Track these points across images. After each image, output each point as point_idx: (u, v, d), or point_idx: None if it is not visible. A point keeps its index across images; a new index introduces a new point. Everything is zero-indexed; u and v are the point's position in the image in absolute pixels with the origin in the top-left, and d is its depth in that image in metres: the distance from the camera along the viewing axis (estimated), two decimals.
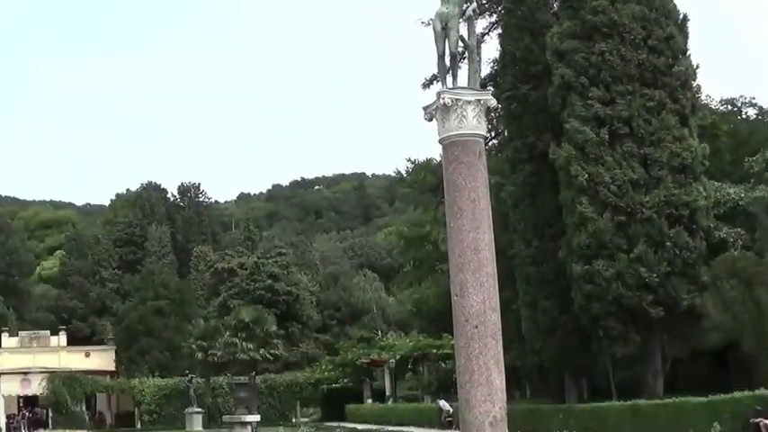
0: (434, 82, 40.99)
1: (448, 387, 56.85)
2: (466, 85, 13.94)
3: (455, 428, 40.91)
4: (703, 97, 49.64)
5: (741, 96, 67.59)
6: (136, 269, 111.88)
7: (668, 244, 39.25)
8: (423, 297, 73.05)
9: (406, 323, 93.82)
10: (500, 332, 13.45)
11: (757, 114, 62.01)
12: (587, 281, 40.03)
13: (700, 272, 39.54)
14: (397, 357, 71.04)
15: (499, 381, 13.21)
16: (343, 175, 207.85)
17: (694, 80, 42.84)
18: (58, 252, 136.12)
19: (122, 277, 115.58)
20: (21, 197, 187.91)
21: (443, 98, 13.64)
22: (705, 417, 25.66)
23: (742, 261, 38.32)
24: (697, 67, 42.79)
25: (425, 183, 67.70)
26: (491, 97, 14.29)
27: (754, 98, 66.79)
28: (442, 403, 53.50)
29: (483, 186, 13.71)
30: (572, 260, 41.08)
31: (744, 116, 61.04)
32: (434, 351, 66.64)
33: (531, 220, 46.25)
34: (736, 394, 31.15)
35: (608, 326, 41.49)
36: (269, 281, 79.88)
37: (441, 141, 13.95)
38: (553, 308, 44.59)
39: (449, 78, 14.03)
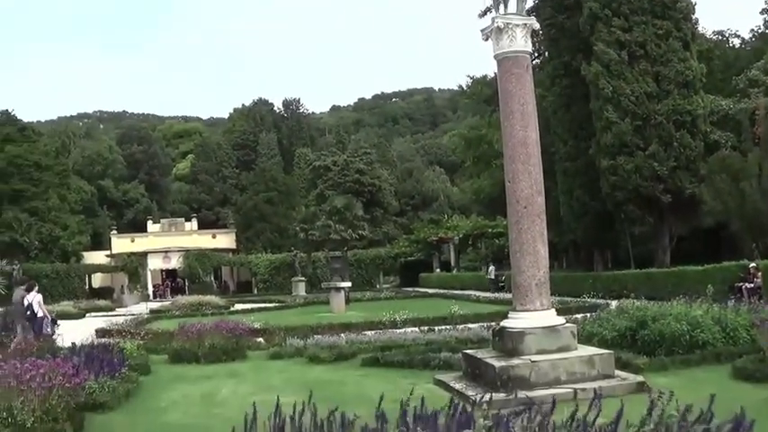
0: (489, 11, 40.65)
1: (500, 259, 57.50)
2: (515, 11, 13.84)
3: (506, 291, 41.43)
4: (700, 29, 49.34)
5: (728, 29, 71.28)
6: (250, 168, 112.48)
7: (675, 144, 39.95)
8: (480, 187, 72.87)
9: (466, 208, 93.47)
10: (544, 212, 13.54)
11: (741, 43, 61.83)
12: (612, 173, 40.55)
13: (699, 167, 40.21)
14: (460, 235, 71.43)
15: (543, 251, 13.31)
16: (416, 89, 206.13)
17: (693, 14, 42.75)
18: (189, 156, 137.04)
19: (240, 175, 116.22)
20: (159, 114, 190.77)
21: (497, 22, 13.62)
22: (701, 281, 25.77)
23: (730, 159, 38.88)
24: (695, 3, 42.72)
25: (482, 94, 67.33)
26: (535, 21, 14.24)
27: (738, 31, 72.02)
28: (491, 269, 53.99)
29: (530, 93, 13.74)
30: (600, 156, 41.57)
31: (730, 45, 60.74)
32: (489, 230, 66.90)
33: (567, 124, 46.67)
34: (725, 264, 31.99)
35: (628, 210, 42.50)
36: (356, 175, 79.76)
37: (495, 57, 13.91)
38: (585, 195, 45.20)
39: (501, 7, 13.96)
